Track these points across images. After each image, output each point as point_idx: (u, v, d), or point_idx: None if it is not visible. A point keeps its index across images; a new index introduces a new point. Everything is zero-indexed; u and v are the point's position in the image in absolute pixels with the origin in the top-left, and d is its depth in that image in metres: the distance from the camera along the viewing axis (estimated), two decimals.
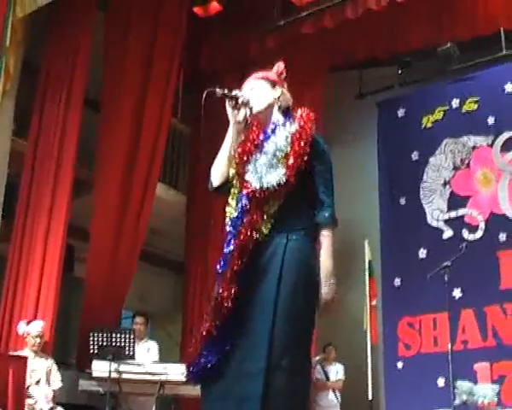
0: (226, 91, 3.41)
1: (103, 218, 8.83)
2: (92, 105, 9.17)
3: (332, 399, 9.21)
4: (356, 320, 9.27)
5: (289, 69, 9.12)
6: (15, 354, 7.18)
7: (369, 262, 9.40)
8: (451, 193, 9.66)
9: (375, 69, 10.74)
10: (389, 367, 9.51)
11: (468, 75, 9.77)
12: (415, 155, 10.01)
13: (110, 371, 7.36)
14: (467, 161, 9.62)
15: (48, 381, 7.23)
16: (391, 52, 9.81)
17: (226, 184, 3.43)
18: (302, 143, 3.29)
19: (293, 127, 3.35)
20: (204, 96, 3.34)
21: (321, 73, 10.50)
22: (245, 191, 3.31)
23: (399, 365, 9.39)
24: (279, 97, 3.50)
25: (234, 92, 3.42)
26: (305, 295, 3.20)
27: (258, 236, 3.23)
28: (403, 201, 9.98)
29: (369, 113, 10.56)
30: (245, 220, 3.25)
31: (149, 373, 7.62)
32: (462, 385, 3.00)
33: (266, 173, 3.28)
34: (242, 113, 3.44)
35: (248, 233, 3.22)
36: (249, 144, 3.42)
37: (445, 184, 9.71)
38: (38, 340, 7.25)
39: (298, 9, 9.19)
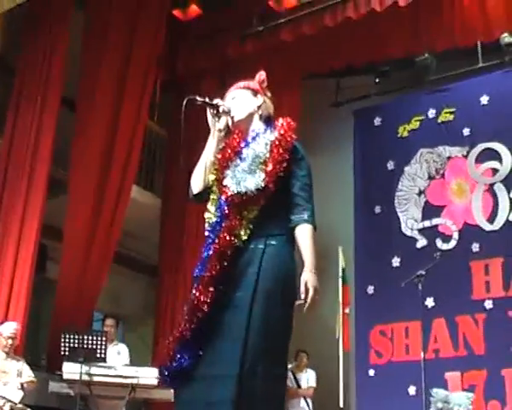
0: (207, 100, 3.43)
1: (77, 218, 8.69)
2: (69, 104, 8.97)
3: (303, 406, 9.13)
4: (328, 328, 9.21)
5: (267, 74, 9.08)
6: None
7: (343, 270, 9.33)
8: (426, 202, 9.64)
9: (352, 78, 10.70)
10: (361, 375, 9.44)
11: (445, 86, 9.77)
12: (390, 165, 10.00)
13: (81, 374, 7.22)
14: (442, 171, 9.60)
15: (19, 383, 6.97)
16: (369, 61, 9.72)
17: (206, 191, 3.43)
18: (281, 150, 3.29)
19: (273, 135, 3.35)
20: (184, 103, 3.36)
21: (298, 79, 10.41)
22: (224, 196, 3.30)
23: (371, 372, 9.32)
24: (260, 106, 3.51)
25: (215, 101, 3.44)
26: (282, 302, 3.19)
27: (236, 241, 3.21)
28: (378, 209, 9.95)
29: (345, 121, 10.50)
30: (223, 225, 3.24)
31: (121, 376, 7.47)
32: (438, 393, 2.96)
33: (245, 179, 3.26)
34: (223, 121, 3.45)
35: (227, 238, 3.20)
36: (229, 151, 3.41)
37: (419, 193, 9.70)
38: (10, 341, 7.10)
39: (277, 16, 9.15)
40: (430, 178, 9.68)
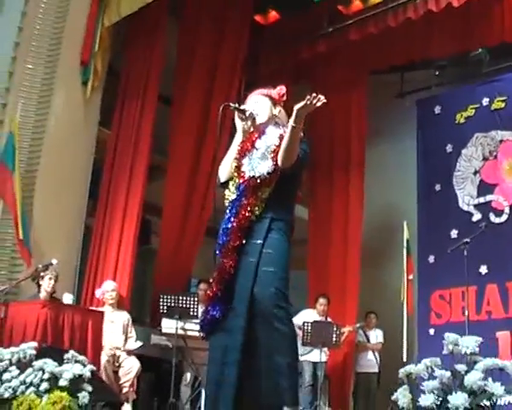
0: (237, 106, 3.88)
1: (174, 198, 9.34)
2: (166, 100, 9.64)
3: (371, 359, 9.72)
4: (394, 292, 9.62)
5: (336, 72, 10.04)
6: (94, 309, 7.73)
7: (407, 241, 9.64)
8: (481, 181, 9.91)
9: (414, 72, 11.17)
10: (422, 333, 9.79)
11: (497, 77, 10.01)
12: (449, 148, 10.30)
13: (177, 329, 7.83)
14: (494, 153, 9.84)
15: (125, 332, 7.78)
16: (427, 57, 10.14)
17: (231, 180, 3.87)
18: None
19: (283, 130, 3.77)
20: (221, 109, 3.83)
21: (365, 74, 10.90)
22: (241, 180, 3.77)
23: (431, 331, 9.69)
24: (277, 115, 3.94)
25: (242, 107, 3.89)
26: (280, 266, 3.64)
27: (252, 216, 3.67)
28: (438, 187, 10.28)
29: (409, 110, 10.89)
30: (243, 203, 3.69)
31: None
32: (450, 337, 3.52)
33: (258, 165, 3.73)
34: (249, 123, 3.88)
35: (246, 214, 3.66)
36: (247, 144, 3.85)
37: (475, 172, 9.98)
38: (114, 294, 7.85)
39: (345, 18, 9.64)
40: (484, 159, 9.93)
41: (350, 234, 10.51)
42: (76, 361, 4.39)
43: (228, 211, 3.78)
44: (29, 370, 4.43)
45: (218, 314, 3.67)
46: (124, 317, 7.90)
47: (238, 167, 3.83)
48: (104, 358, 7.10)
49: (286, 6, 10.00)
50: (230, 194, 3.84)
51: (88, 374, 4.24)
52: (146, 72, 9.12)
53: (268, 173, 3.70)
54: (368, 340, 9.91)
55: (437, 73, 10.62)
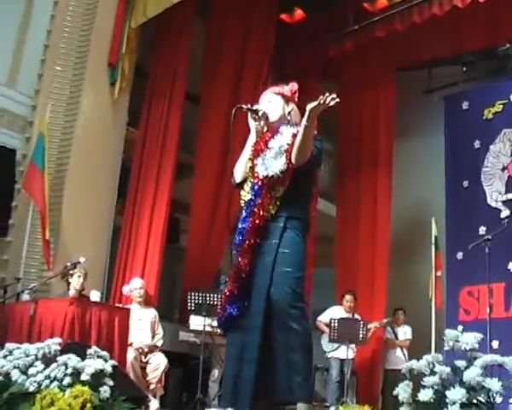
0: (249, 107, 3.92)
1: (202, 196, 9.40)
2: (194, 98, 9.71)
3: (400, 356, 9.63)
4: (423, 289, 9.54)
5: (364, 70, 9.99)
6: (121, 306, 7.80)
7: (436, 238, 9.57)
8: (509, 177, 9.82)
9: (442, 68, 11.09)
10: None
11: None
12: (477, 144, 10.23)
13: (204, 325, 7.94)
14: None
15: (152, 329, 7.80)
16: (453, 52, 10.13)
17: (246, 180, 3.91)
18: None
19: (295, 129, 3.80)
20: (234, 110, 3.89)
21: (392, 71, 10.86)
22: (255, 180, 3.80)
23: (459, 328, 9.53)
24: (290, 112, 3.98)
25: (255, 107, 3.92)
26: (295, 265, 3.70)
27: (267, 215, 3.71)
28: (466, 184, 10.24)
29: (436, 106, 10.85)
30: (257, 203, 3.74)
31: None
32: (450, 333, 3.52)
33: (271, 164, 3.75)
34: (262, 123, 3.91)
35: (261, 213, 3.72)
36: (261, 144, 3.87)
37: (503, 169, 9.90)
38: (142, 292, 7.89)
39: (371, 15, 9.60)
40: None
41: (378, 231, 10.50)
42: (98, 357, 4.44)
43: (244, 211, 3.84)
44: (53, 365, 4.50)
45: (235, 312, 3.74)
46: (151, 314, 7.96)
47: (252, 168, 3.87)
48: (131, 354, 7.18)
49: (311, 4, 10.04)
50: (246, 194, 3.89)
51: (109, 369, 4.29)
52: (173, 71, 9.19)
53: (281, 172, 3.73)
54: (396, 337, 9.89)
55: (464, 68, 10.61)
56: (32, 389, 4.45)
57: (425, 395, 3.14)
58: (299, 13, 10.11)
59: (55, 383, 4.34)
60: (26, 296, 6.99)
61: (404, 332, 9.91)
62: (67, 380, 4.27)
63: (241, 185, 3.95)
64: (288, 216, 3.77)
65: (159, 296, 8.72)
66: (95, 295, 6.93)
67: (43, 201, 7.58)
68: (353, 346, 9.02)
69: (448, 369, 3.16)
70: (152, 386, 7.44)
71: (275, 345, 3.68)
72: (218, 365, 8.34)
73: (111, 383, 4.26)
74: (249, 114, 3.94)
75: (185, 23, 9.34)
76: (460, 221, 10.18)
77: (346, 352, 8.75)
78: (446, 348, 3.32)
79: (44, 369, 4.57)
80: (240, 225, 3.81)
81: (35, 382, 4.48)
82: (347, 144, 10.99)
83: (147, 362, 7.60)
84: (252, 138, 3.96)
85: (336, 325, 8.67)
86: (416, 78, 11.29)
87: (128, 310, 7.09)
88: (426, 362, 3.30)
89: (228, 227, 9.48)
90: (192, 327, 8.29)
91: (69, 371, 4.36)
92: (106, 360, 4.41)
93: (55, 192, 8.15)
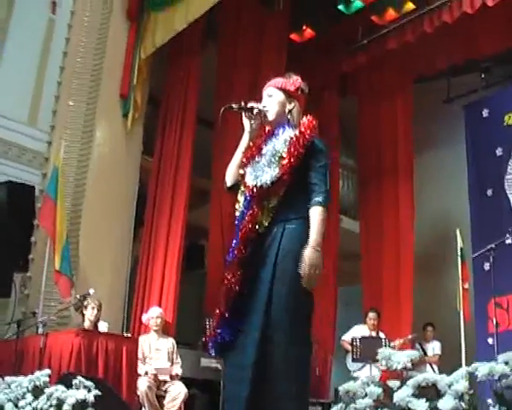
0: (242, 105, 3.60)
1: (219, 221, 9.48)
2: (208, 123, 9.48)
3: (429, 372, 9.18)
4: (450, 302, 9.19)
5: (380, 81, 9.83)
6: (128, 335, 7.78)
7: (461, 249, 9.13)
8: None
9: (461, 77, 10.90)
10: (481, 343, 9.44)
11: None
12: (499, 151, 9.92)
13: None
14: None
15: (170, 359, 7.73)
16: (470, 59, 9.88)
17: (237, 185, 3.60)
18: (298, 146, 3.41)
19: (292, 133, 3.46)
20: (221, 111, 3.58)
21: (409, 82, 10.69)
22: (246, 190, 3.47)
23: (490, 341, 9.27)
24: (291, 110, 3.61)
25: (249, 104, 3.60)
26: (298, 277, 3.26)
27: (259, 228, 3.38)
28: (490, 192, 9.95)
29: (456, 115, 10.64)
30: (247, 214, 3.40)
31: None
32: (384, 352, 3.38)
33: (262, 173, 3.42)
34: (257, 121, 3.61)
35: (250, 226, 3.38)
36: (254, 149, 3.57)
37: None
38: (158, 321, 7.83)
39: (380, 28, 9.49)
40: None
41: (402, 244, 10.30)
42: (84, 387, 4.44)
43: (236, 225, 3.54)
44: (42, 396, 4.53)
45: (227, 337, 3.43)
46: (169, 344, 7.90)
47: (243, 176, 3.56)
48: (145, 384, 7.14)
49: (319, 22, 9.95)
50: (239, 206, 3.58)
51: (91, 399, 4.28)
52: (183, 97, 9.20)
53: (273, 182, 3.40)
54: (425, 353, 9.62)
55: (483, 75, 10.33)
56: None
57: None
58: (308, 32, 10.03)
59: None
60: (40, 330, 7.04)
61: (433, 348, 9.66)
62: None
63: (232, 190, 3.65)
64: (286, 222, 3.42)
65: (184, 323, 8.66)
66: (103, 326, 6.96)
67: (54, 230, 7.62)
68: (379, 365, 8.78)
69: (380, 390, 3.03)
70: None
71: (270, 369, 3.34)
72: None
73: None
74: (243, 113, 3.64)
75: (194, 49, 9.36)
76: (485, 231, 9.79)
77: (370, 371, 8.54)
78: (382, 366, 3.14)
79: (33, 401, 4.59)
80: (233, 242, 3.50)
81: None
82: (368, 158, 10.85)
83: (165, 391, 7.53)
84: (245, 140, 3.67)
85: (358, 343, 8.50)
86: (435, 88, 11.06)
87: (136, 339, 7.20)
88: (361, 383, 3.18)
89: None
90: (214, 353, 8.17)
91: (54, 401, 4.36)
92: (89, 391, 4.40)
93: (73, 225, 8.19)
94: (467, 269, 9.56)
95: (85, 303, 7.27)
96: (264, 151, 3.51)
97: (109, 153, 8.65)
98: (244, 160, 3.59)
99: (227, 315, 3.42)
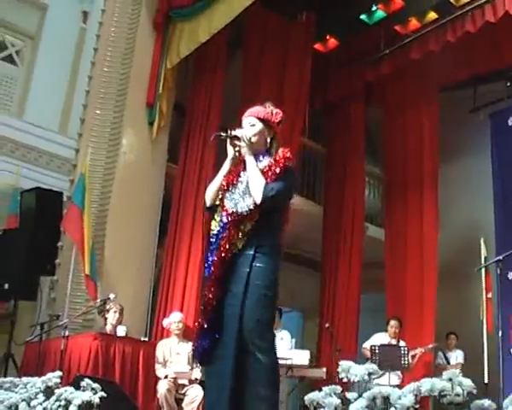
0: (229, 133, 3.75)
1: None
2: None
3: None
4: (474, 311, 9.16)
5: (407, 90, 9.80)
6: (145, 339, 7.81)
7: (485, 258, 9.17)
8: None
9: (487, 86, 10.84)
10: (505, 353, 9.43)
11: None
12: None
13: None
14: None
15: (189, 363, 7.71)
16: (495, 68, 9.88)
17: (216, 206, 3.80)
18: (271, 174, 3.63)
19: (267, 162, 3.70)
20: (212, 138, 3.91)
21: (435, 91, 10.67)
22: (224, 213, 3.71)
23: None
24: (271, 141, 3.87)
25: (236, 133, 3.77)
26: (267, 294, 3.59)
27: (234, 249, 3.63)
28: None
29: (482, 124, 10.59)
30: (224, 236, 3.65)
31: (280, 358, 8.27)
32: (343, 365, 3.43)
33: (240, 200, 3.68)
34: (241, 147, 3.75)
35: (227, 247, 3.62)
36: (233, 175, 3.78)
37: None
38: (180, 325, 7.87)
39: (403, 37, 9.52)
40: None
41: (426, 253, 10.26)
42: (91, 389, 4.59)
43: (211, 243, 3.76)
44: (53, 397, 4.69)
45: (206, 344, 3.70)
46: (189, 348, 7.94)
47: (222, 200, 3.80)
48: (164, 386, 7.25)
49: (343, 31, 9.98)
50: (216, 225, 3.79)
51: (97, 401, 4.42)
52: (207, 106, 9.32)
53: (249, 210, 3.66)
54: (448, 362, 9.53)
55: (508, 84, 10.26)
56: None
57: None
58: (332, 42, 10.09)
59: None
60: (65, 332, 7.20)
61: (456, 357, 9.59)
62: None
63: (210, 210, 3.85)
64: (258, 245, 3.67)
65: None
66: (121, 330, 7.09)
67: (81, 238, 7.81)
68: (399, 372, 8.80)
69: (338, 401, 3.11)
70: None
71: (245, 377, 3.61)
72: None
73: None
74: (228, 140, 3.80)
75: (219, 59, 9.47)
76: (510, 241, 9.71)
77: (389, 379, 8.54)
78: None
79: (44, 401, 4.75)
80: (209, 258, 3.73)
81: None
82: (394, 167, 10.86)
83: (184, 394, 7.64)
84: (226, 165, 3.84)
85: (377, 351, 8.50)
86: (461, 97, 10.99)
87: (153, 343, 7.30)
88: (324, 393, 3.25)
89: None
90: None
91: (63, 402, 4.51)
92: (95, 392, 4.53)
93: (98, 231, 8.38)
94: (490, 279, 9.47)
95: (107, 307, 7.41)
96: (242, 179, 3.75)
97: (135, 160, 8.82)
98: (224, 184, 3.81)
99: (206, 326, 3.69)
